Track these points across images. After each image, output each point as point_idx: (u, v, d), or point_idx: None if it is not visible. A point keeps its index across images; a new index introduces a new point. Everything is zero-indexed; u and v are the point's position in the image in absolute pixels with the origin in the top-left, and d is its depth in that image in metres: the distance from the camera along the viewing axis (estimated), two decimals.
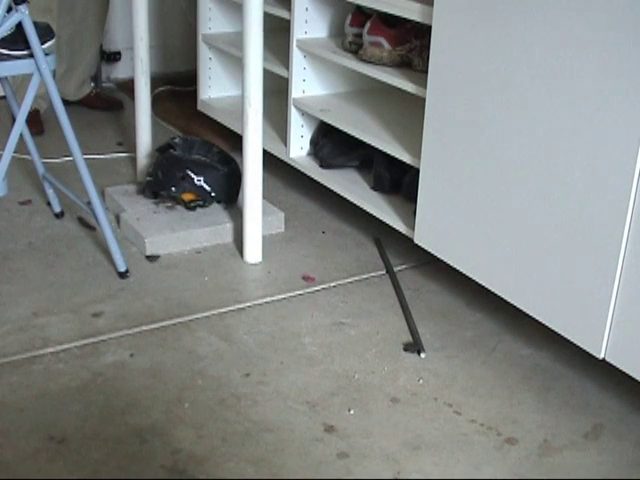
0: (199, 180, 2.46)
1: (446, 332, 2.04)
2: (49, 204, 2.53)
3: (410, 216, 2.24)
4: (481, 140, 1.90)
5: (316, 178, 2.57)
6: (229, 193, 2.52)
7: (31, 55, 2.00)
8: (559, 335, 1.80)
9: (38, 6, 2.79)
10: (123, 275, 2.20)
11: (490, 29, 1.83)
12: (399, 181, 2.40)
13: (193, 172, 2.46)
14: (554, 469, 1.61)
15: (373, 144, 2.34)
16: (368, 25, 2.34)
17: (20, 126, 2.08)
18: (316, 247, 2.43)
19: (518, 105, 1.79)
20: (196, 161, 2.50)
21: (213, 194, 2.47)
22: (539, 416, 1.76)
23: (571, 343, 1.78)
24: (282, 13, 2.58)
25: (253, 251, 2.33)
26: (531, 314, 1.86)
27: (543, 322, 1.83)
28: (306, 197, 2.74)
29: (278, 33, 2.78)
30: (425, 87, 2.05)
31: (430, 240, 2.13)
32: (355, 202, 2.42)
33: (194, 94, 3.20)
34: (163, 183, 2.48)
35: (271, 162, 2.68)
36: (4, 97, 2.37)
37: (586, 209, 1.68)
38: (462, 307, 2.15)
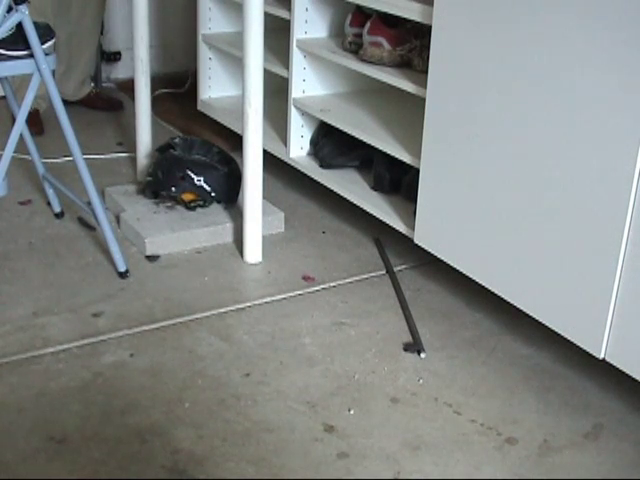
0: (199, 180, 2.46)
1: (446, 332, 2.04)
2: (49, 204, 2.52)
3: (410, 216, 2.24)
4: (481, 140, 1.90)
5: (316, 178, 2.57)
6: (229, 193, 2.52)
7: (31, 55, 2.00)
8: (559, 335, 1.80)
9: (33, 8, 2.79)
10: (123, 275, 2.20)
11: (490, 29, 1.83)
12: (399, 181, 2.40)
13: (193, 172, 2.46)
14: (554, 469, 1.61)
15: (373, 144, 2.34)
16: (368, 25, 2.33)
17: (20, 126, 2.08)
18: (316, 247, 2.43)
19: (518, 105, 1.79)
20: (196, 161, 2.50)
21: (213, 194, 2.47)
22: (539, 416, 1.76)
23: (571, 343, 1.78)
24: (282, 13, 2.58)
25: (253, 251, 2.33)
26: (531, 314, 1.85)
27: (543, 322, 1.83)
28: (306, 197, 2.74)
29: (278, 33, 2.78)
30: (425, 87, 2.05)
31: (430, 240, 2.13)
32: (355, 202, 2.42)
33: (194, 94, 3.20)
34: (163, 183, 2.48)
35: (271, 162, 2.68)
36: (4, 97, 2.37)
37: (586, 209, 1.68)
38: (462, 307, 2.14)
